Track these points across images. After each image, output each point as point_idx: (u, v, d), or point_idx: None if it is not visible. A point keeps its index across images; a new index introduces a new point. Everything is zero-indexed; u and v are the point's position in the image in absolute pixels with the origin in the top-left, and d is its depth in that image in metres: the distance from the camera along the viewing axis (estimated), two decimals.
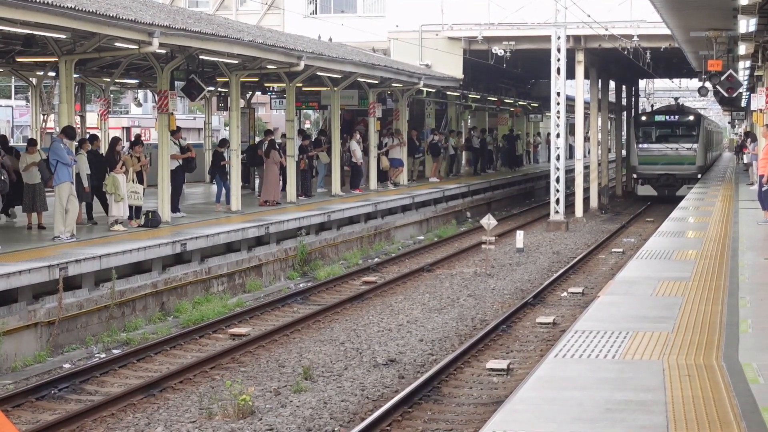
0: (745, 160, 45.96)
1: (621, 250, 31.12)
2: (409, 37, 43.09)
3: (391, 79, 36.92)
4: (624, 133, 62.44)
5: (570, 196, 42.43)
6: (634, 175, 49.40)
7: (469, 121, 56.70)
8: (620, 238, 34.98)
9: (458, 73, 43.27)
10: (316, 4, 46.42)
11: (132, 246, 20.25)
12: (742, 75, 37.78)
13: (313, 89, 40.71)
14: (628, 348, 10.97)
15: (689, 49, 35.80)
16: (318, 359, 17.06)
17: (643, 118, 51.21)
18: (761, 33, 25.77)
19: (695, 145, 48.15)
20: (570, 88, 45.21)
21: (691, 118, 49.85)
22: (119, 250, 19.71)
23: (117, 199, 22.97)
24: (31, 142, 24.69)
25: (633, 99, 67.32)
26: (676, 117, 49.75)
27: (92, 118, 43.23)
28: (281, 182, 31.57)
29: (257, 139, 38.80)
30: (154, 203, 25.20)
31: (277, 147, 30.93)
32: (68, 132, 21.40)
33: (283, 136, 32.90)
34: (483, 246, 27.88)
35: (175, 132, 26.62)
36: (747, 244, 19.95)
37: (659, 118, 50.14)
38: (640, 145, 48.58)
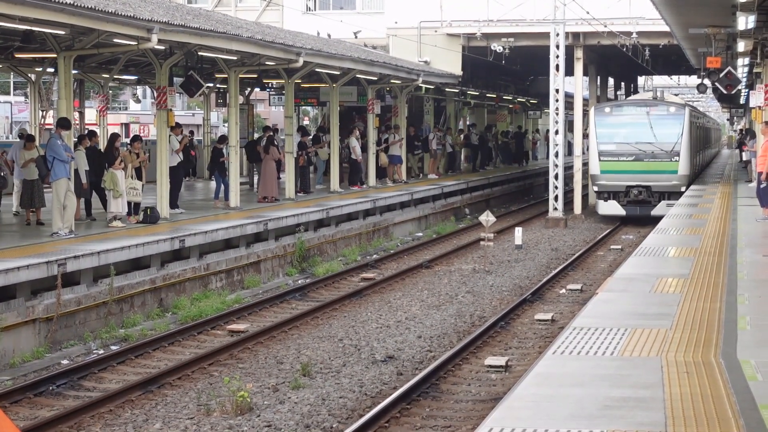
0: (744, 158, 45.72)
1: (619, 246, 31.12)
2: (407, 33, 43.10)
3: (390, 76, 36.91)
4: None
5: (569, 192, 42.42)
6: (595, 188, 38.00)
7: (468, 117, 56.72)
8: (619, 234, 34.98)
9: (457, 69, 43.28)
10: (315, 1, 46.41)
11: (130, 242, 20.24)
12: (741, 72, 37.82)
13: (311, 85, 40.72)
14: (626, 345, 10.95)
15: (688, 46, 35.83)
16: (316, 356, 17.05)
17: (607, 109, 38.45)
18: (760, 30, 25.78)
19: (678, 148, 36.69)
20: (569, 85, 45.15)
21: (672, 110, 37.66)
22: (118, 246, 19.70)
23: (116, 195, 22.96)
24: (29, 138, 24.68)
25: (632, 96, 67.27)
26: (651, 109, 37.84)
27: (91, 114, 43.22)
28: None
29: (255, 136, 38.81)
30: (152, 199, 25.18)
31: (276, 143, 30.93)
32: (63, 123, 21.39)
33: (275, 132, 32.88)
34: (481, 243, 27.90)
35: (174, 128, 26.59)
36: (746, 241, 19.94)
37: (628, 110, 38.33)
38: (603, 147, 37.14)
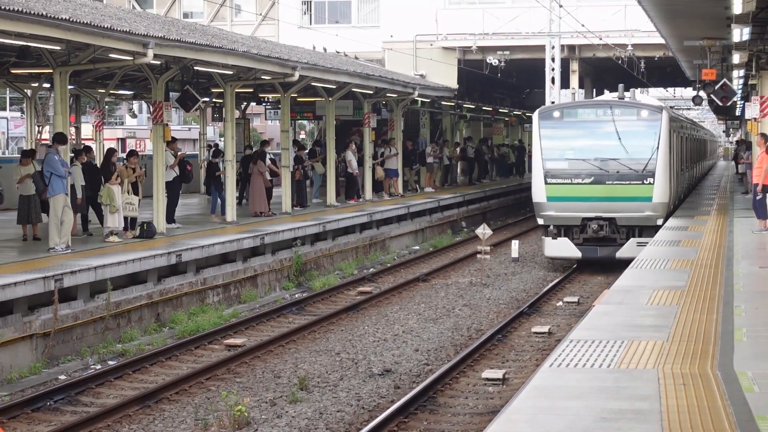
0: (740, 170, 45.69)
1: None
2: (403, 47, 43.24)
3: (386, 90, 36.95)
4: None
5: None
6: (540, 221, 28.39)
7: (464, 131, 56.86)
8: None
9: (453, 83, 43.39)
10: (310, 15, 46.51)
11: (127, 257, 20.24)
12: (737, 84, 37.88)
13: (307, 99, 40.78)
14: (623, 357, 10.96)
15: (683, 58, 35.92)
16: (314, 370, 17.05)
17: (555, 114, 28.78)
18: (755, 42, 25.85)
19: (653, 165, 27.35)
20: (565, 98, 45.25)
21: (645, 113, 28.12)
22: (114, 261, 19.70)
23: (112, 210, 22.97)
24: (26, 154, 24.69)
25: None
26: (615, 112, 28.15)
27: (87, 129, 43.24)
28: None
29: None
30: (149, 214, 25.17)
31: (265, 158, 30.90)
32: (60, 138, 21.40)
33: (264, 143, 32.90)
34: (478, 256, 27.89)
35: (169, 143, 26.58)
36: (742, 252, 19.95)
37: (585, 114, 28.79)
38: (550, 165, 27.94)
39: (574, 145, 28.20)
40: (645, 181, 27.31)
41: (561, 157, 28.03)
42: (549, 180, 27.76)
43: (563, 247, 27.81)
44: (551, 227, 27.85)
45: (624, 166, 27.42)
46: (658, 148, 27.43)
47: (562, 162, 27.95)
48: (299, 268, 26.40)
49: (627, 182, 27.37)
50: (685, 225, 26.13)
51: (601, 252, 27.60)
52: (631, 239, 27.20)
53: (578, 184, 27.61)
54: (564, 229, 27.76)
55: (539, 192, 28.01)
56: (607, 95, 34.43)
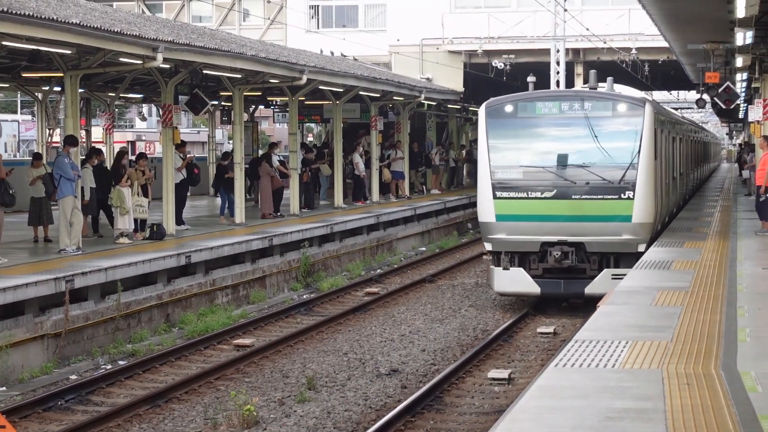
0: (744, 176, 45.61)
1: None
2: (410, 50, 43.39)
3: (393, 93, 37.07)
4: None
5: None
6: (488, 246, 22.38)
7: (470, 133, 56.94)
8: None
9: (459, 86, 43.52)
10: (318, 19, 46.67)
11: (137, 258, 20.38)
12: (740, 87, 37.96)
13: (315, 102, 40.93)
14: (627, 357, 11.01)
15: (687, 61, 36.02)
16: (321, 369, 17.17)
17: (508, 108, 22.58)
18: (758, 45, 25.94)
19: (632, 175, 21.30)
20: None
21: (623, 107, 21.96)
22: (125, 262, 19.85)
23: (122, 212, 23.14)
24: (37, 157, 24.87)
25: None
26: (585, 107, 21.97)
27: (97, 132, 43.42)
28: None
29: (260, 153, 39.03)
30: (159, 216, 25.31)
31: (271, 160, 31.04)
32: (70, 141, 21.56)
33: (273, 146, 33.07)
34: (484, 257, 27.98)
35: (178, 146, 26.74)
36: (745, 254, 19.98)
37: (545, 108, 22.27)
38: (500, 176, 21.86)
39: (532, 149, 22.27)
40: (623, 196, 21.33)
41: (514, 164, 22.04)
42: (498, 194, 21.77)
43: (517, 281, 21.85)
44: (502, 254, 21.99)
45: (596, 176, 21.49)
46: (639, 152, 21.44)
47: (515, 170, 21.97)
48: (307, 269, 26.53)
49: (599, 197, 21.44)
50: (690, 227, 26.05)
51: (567, 287, 21.82)
52: (605, 270, 21.45)
53: (536, 199, 21.63)
54: (518, 257, 21.87)
55: (486, 209, 21.95)
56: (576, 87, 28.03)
